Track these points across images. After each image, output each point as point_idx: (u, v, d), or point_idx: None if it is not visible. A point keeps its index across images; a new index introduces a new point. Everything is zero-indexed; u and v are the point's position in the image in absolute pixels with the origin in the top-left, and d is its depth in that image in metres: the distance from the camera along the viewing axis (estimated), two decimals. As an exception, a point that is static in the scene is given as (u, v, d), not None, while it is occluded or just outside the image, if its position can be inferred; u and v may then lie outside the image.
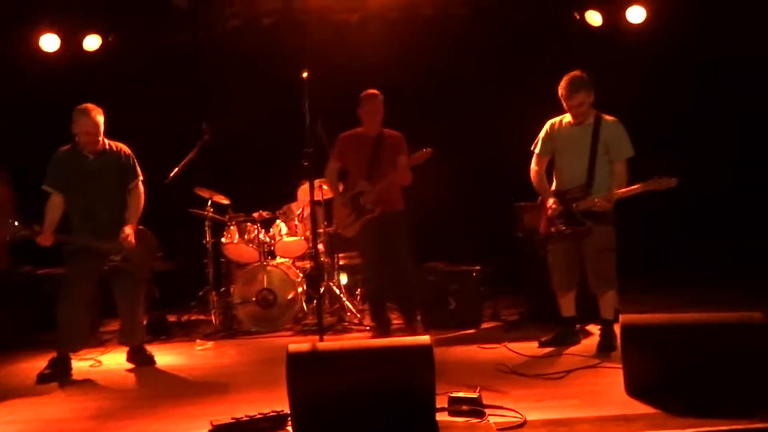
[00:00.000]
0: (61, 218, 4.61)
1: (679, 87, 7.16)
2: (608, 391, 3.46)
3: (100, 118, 4.60)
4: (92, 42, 6.87)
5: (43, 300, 5.52)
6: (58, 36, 6.69)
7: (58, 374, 4.39)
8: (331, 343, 3.56)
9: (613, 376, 3.62)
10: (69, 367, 4.50)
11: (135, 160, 4.82)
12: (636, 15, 6.89)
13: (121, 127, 4.93)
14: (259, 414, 3.09)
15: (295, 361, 2.94)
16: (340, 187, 5.40)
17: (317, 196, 6.17)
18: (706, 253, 7.10)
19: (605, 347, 4.37)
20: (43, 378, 4.34)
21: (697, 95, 7.20)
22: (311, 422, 2.95)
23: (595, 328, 4.83)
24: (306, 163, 4.07)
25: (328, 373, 2.96)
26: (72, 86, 6.54)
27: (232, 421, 3.04)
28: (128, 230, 4.63)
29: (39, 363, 4.53)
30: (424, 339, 3.06)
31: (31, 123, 6.80)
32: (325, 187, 6.12)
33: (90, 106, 4.59)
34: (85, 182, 4.60)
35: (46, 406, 3.82)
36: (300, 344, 3.07)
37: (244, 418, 3.05)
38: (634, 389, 3.32)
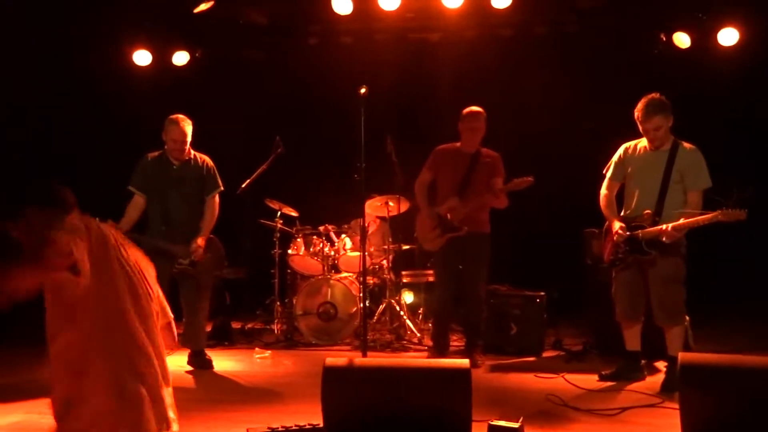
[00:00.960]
0: (139, 218, 4.86)
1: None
2: (663, 433, 3.25)
3: (189, 129, 4.85)
4: (181, 57, 7.24)
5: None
6: (150, 52, 7.09)
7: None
8: (369, 359, 3.53)
9: (672, 418, 3.37)
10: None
11: (216, 172, 5.03)
12: (728, 37, 6.53)
13: (201, 137, 5.15)
14: (295, 426, 3.11)
15: (330, 375, 2.93)
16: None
17: (383, 213, 6.23)
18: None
19: (669, 387, 4.10)
20: None
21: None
22: (344, 438, 2.93)
23: (663, 365, 4.56)
24: (357, 177, 4.09)
25: (363, 389, 2.93)
26: (160, 98, 6.91)
27: (267, 430, 3.06)
28: (200, 241, 4.82)
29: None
30: (463, 363, 2.98)
31: (121, 132, 7.21)
32: (391, 203, 6.15)
33: (181, 116, 4.86)
34: (167, 187, 4.84)
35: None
36: (337, 359, 3.06)
37: (280, 429, 3.07)
38: (692, 434, 3.09)
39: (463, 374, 2.90)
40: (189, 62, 7.26)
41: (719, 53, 6.59)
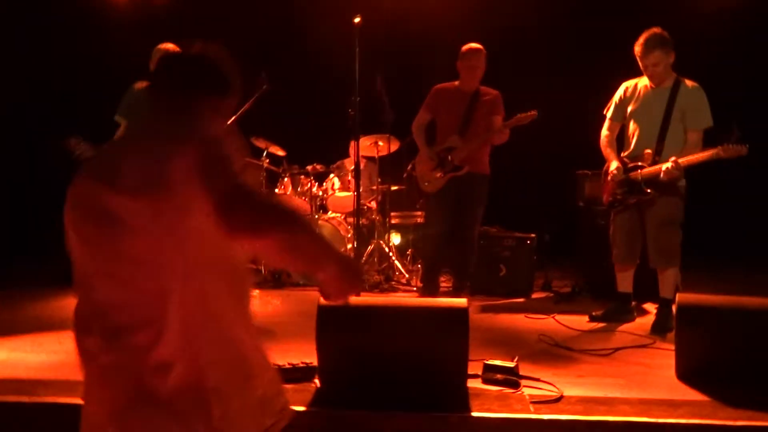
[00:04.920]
0: None
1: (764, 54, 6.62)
2: (657, 373, 3.26)
3: None
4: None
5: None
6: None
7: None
8: (364, 298, 3.48)
9: (665, 358, 3.40)
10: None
11: None
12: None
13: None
14: (289, 364, 3.06)
15: (324, 315, 2.87)
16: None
17: (372, 153, 6.10)
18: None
19: (660, 328, 4.11)
20: None
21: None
22: (338, 377, 2.89)
23: (652, 307, 4.58)
24: (351, 112, 3.94)
25: (357, 329, 2.88)
26: (140, 33, 6.62)
27: (260, 368, 3.01)
28: None
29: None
30: (461, 302, 2.93)
31: (101, 67, 6.93)
32: (380, 143, 6.01)
33: (170, 45, 4.60)
34: None
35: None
36: (332, 298, 2.99)
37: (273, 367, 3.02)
38: (685, 374, 3.10)
39: (460, 313, 2.85)
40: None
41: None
